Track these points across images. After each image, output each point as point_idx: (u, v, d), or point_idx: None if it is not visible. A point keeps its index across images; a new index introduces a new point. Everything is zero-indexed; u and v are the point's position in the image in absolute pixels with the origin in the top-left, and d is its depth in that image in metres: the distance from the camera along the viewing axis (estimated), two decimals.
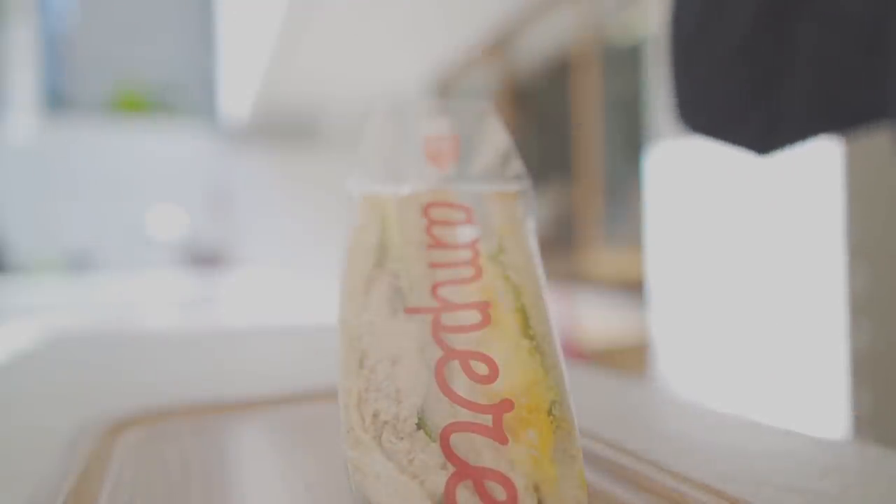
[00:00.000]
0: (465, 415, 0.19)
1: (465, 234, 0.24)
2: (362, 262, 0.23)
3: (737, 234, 1.64)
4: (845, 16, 0.43)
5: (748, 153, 0.49)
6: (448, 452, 0.18)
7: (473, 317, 0.21)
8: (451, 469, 0.18)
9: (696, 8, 0.48)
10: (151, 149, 4.88)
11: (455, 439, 0.18)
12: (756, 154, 0.49)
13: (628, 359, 2.18)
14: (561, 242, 3.02)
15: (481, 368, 0.20)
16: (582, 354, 2.18)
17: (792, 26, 0.45)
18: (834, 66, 0.44)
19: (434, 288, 0.22)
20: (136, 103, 5.31)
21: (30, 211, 4.47)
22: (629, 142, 2.62)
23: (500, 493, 0.17)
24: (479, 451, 0.18)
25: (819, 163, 1.37)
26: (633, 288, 2.30)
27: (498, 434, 0.18)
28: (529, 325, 0.21)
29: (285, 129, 5.09)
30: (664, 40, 0.51)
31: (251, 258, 4.83)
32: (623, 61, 2.71)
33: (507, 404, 0.19)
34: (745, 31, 0.46)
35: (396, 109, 0.27)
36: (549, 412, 0.19)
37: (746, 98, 0.48)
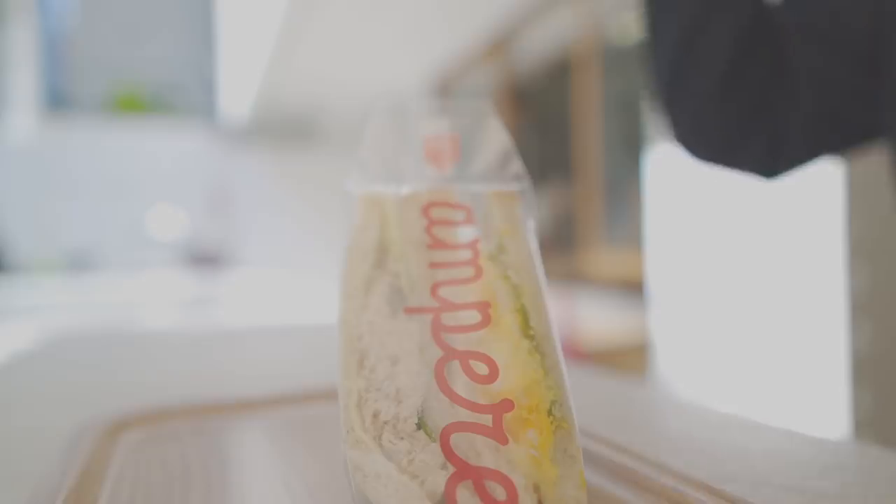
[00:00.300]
0: (465, 415, 0.19)
1: (465, 234, 0.24)
2: (362, 262, 0.23)
3: (737, 234, 1.64)
4: (848, 34, 0.43)
5: (754, 178, 0.49)
6: (448, 452, 0.18)
7: (473, 317, 0.21)
8: (451, 469, 0.18)
9: (672, 48, 0.48)
10: (151, 149, 4.88)
11: (455, 439, 0.18)
12: (762, 178, 0.49)
13: (628, 359, 2.18)
14: (561, 242, 3.02)
15: (481, 368, 0.20)
16: (582, 354, 2.18)
17: (785, 51, 0.45)
18: (836, 86, 0.43)
19: (434, 288, 0.22)
20: (136, 103, 5.31)
21: (30, 211, 4.47)
22: (629, 142, 2.62)
23: (500, 493, 0.17)
24: (479, 451, 0.18)
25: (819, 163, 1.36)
26: (633, 288, 2.30)
27: (498, 434, 0.18)
28: (529, 325, 0.21)
29: (285, 129, 5.09)
30: (647, 78, 0.51)
31: (251, 258, 4.83)
32: (623, 61, 2.71)
33: (507, 404, 0.19)
34: (725, 63, 0.46)
35: (396, 109, 0.27)
36: (550, 412, 0.19)
37: (742, 125, 0.47)
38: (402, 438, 0.18)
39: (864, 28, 0.42)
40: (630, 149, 2.58)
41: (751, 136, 0.47)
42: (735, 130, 0.48)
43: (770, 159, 0.47)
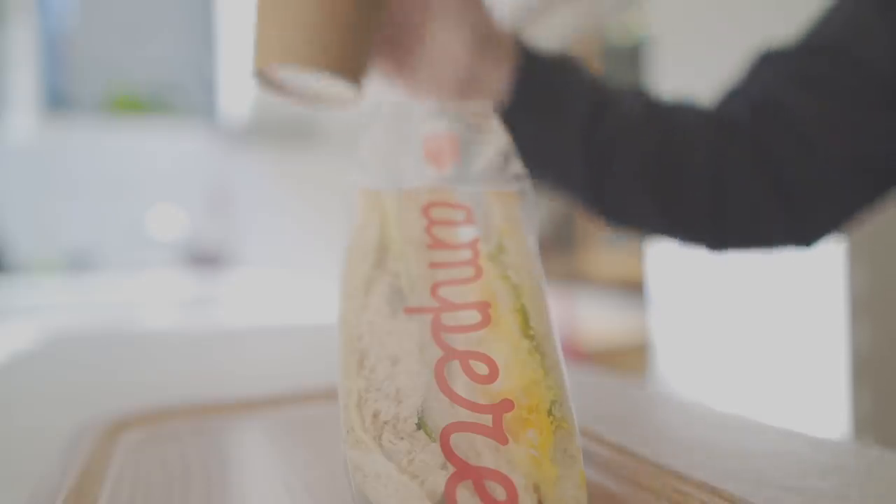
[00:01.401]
0: (465, 415, 0.19)
1: (465, 234, 0.24)
2: (362, 262, 0.23)
3: None
4: (870, 76, 0.40)
5: (785, 252, 0.47)
6: (448, 452, 0.18)
7: (473, 317, 0.21)
8: (451, 469, 0.18)
9: (602, 212, 0.47)
10: (151, 149, 4.87)
11: (455, 439, 0.18)
12: (799, 249, 0.46)
13: (628, 359, 2.18)
14: (561, 242, 3.01)
15: (481, 368, 0.20)
16: (582, 354, 2.18)
17: (777, 111, 0.43)
18: (862, 132, 0.41)
19: (434, 288, 0.22)
20: (136, 103, 5.31)
21: (30, 211, 4.47)
22: None
23: (500, 493, 0.17)
24: (479, 451, 0.18)
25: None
26: (633, 288, 2.30)
27: (498, 434, 0.18)
28: (529, 325, 0.21)
29: (285, 129, 5.08)
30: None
31: (251, 258, 4.83)
32: (623, 61, 2.71)
33: (507, 404, 0.19)
34: (652, 196, 0.45)
35: (396, 109, 0.27)
36: (550, 412, 0.19)
37: (764, 203, 0.45)
38: (402, 438, 0.18)
39: (887, 68, 0.40)
40: None
41: (759, 218, 0.45)
42: (732, 220, 0.46)
43: (793, 231, 0.45)
